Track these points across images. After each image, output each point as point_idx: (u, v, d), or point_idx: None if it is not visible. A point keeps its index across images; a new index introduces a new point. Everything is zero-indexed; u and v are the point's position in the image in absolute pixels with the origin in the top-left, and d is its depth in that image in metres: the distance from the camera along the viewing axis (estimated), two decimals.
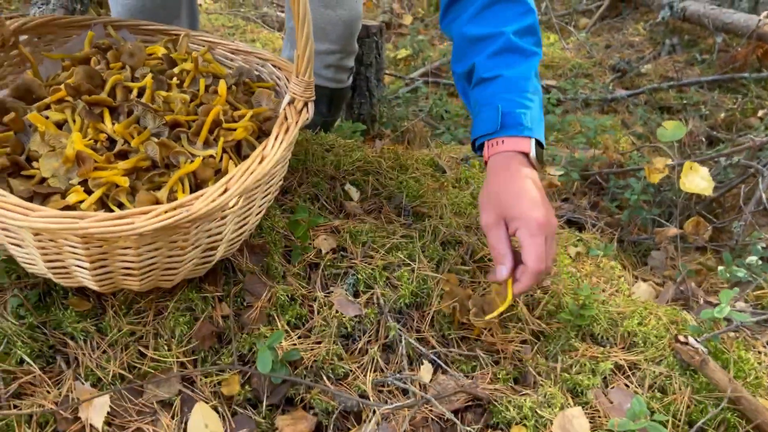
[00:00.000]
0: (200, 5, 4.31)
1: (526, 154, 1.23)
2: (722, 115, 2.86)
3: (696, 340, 1.20)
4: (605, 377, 1.23)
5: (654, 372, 1.22)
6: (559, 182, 2.04)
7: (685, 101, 2.99)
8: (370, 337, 1.30)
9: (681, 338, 1.20)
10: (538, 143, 1.26)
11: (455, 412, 1.19)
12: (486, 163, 1.29)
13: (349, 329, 1.29)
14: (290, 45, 2.11)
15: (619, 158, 2.26)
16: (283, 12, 4.34)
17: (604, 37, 3.92)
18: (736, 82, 3.15)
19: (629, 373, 1.24)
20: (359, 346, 1.28)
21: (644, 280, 1.63)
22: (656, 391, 1.20)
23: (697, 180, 1.60)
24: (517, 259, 1.20)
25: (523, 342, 1.33)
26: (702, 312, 1.26)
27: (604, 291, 1.45)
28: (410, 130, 2.68)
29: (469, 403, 1.22)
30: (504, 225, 1.20)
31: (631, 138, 2.57)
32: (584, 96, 3.01)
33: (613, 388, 1.21)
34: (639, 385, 1.21)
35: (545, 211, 1.17)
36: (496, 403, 1.19)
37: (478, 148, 1.33)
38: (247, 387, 1.19)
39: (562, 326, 1.33)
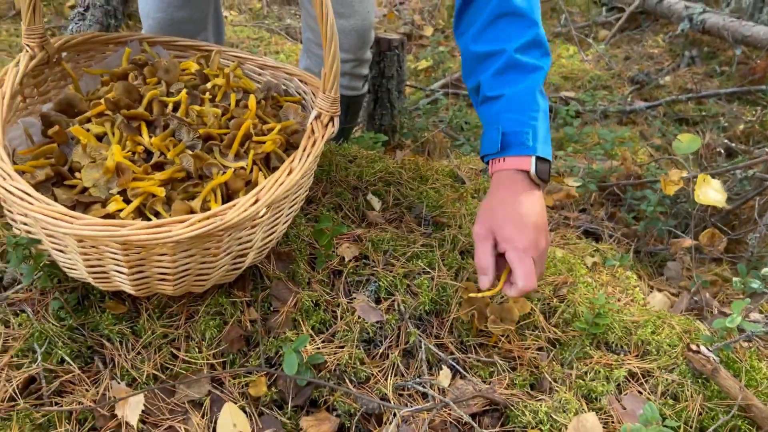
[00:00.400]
0: (225, 17, 4.41)
1: (527, 172, 1.27)
2: (741, 127, 2.87)
3: (708, 348, 1.23)
4: (619, 384, 1.27)
5: (666, 379, 1.25)
6: (576, 193, 2.07)
7: (703, 113, 3.01)
8: (391, 342, 1.35)
9: (693, 347, 1.24)
10: (544, 159, 1.29)
11: (473, 416, 1.23)
12: (491, 176, 1.35)
13: (371, 334, 1.34)
14: (306, 55, 2.18)
15: (637, 170, 2.29)
16: None
17: (623, 49, 3.95)
18: (754, 94, 3.16)
19: (642, 380, 1.27)
20: (380, 351, 1.33)
21: (659, 290, 1.66)
22: (668, 398, 1.23)
23: (711, 192, 1.64)
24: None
25: (540, 349, 1.37)
26: (714, 322, 1.29)
27: (619, 300, 1.49)
28: (430, 140, 2.74)
29: (487, 408, 1.26)
30: (492, 239, 1.25)
31: (648, 150, 2.60)
32: (603, 107, 3.04)
33: (626, 394, 1.24)
34: (652, 392, 1.24)
35: (533, 236, 1.22)
36: (512, 408, 1.23)
37: (486, 163, 1.38)
38: (273, 389, 1.25)
39: (578, 335, 1.37)
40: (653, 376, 1.27)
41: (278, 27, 4.29)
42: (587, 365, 1.30)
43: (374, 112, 2.68)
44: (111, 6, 2.14)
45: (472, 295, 1.32)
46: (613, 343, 1.36)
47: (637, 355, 1.33)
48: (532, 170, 1.26)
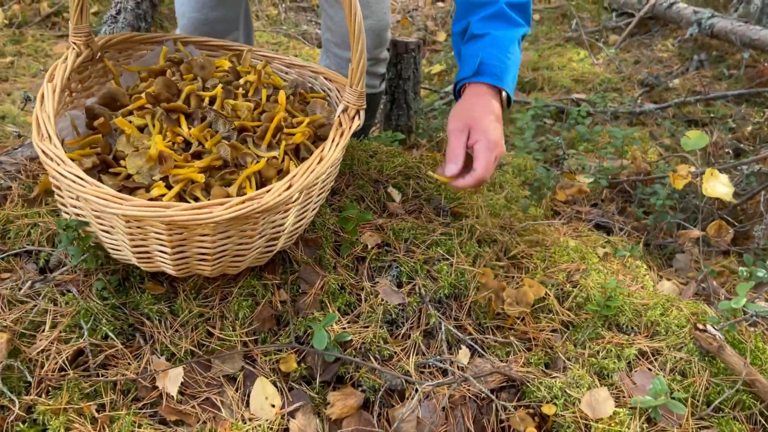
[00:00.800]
0: None
1: (500, 91, 1.50)
2: (749, 128, 2.93)
3: (714, 328, 1.30)
4: (629, 362, 1.34)
5: (675, 357, 1.32)
6: (588, 189, 2.15)
7: (712, 115, 3.08)
8: (412, 323, 1.42)
9: (700, 326, 1.30)
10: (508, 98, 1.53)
11: (491, 391, 1.30)
12: (463, 91, 1.55)
13: (394, 316, 1.42)
14: (326, 56, 2.26)
15: (647, 167, 2.36)
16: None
17: (633, 53, 4.02)
18: (762, 96, 3.22)
19: (652, 358, 1.34)
20: (403, 331, 1.41)
21: (668, 280, 1.73)
22: (677, 374, 1.30)
23: (718, 186, 1.70)
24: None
25: (554, 331, 1.44)
26: (720, 304, 1.36)
27: (629, 286, 1.56)
28: (445, 140, 2.82)
29: (504, 384, 1.33)
30: (467, 133, 1.44)
31: (658, 149, 2.66)
32: (613, 109, 3.11)
33: (636, 371, 1.31)
34: (661, 369, 1.31)
35: (500, 134, 1.44)
36: (528, 384, 1.30)
37: (458, 93, 1.58)
38: (302, 365, 1.33)
39: (590, 317, 1.44)
40: (662, 354, 1.34)
41: (295, 32, 4.39)
42: (599, 345, 1.37)
43: (391, 113, 2.76)
44: (141, 10, 2.23)
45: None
46: (624, 324, 1.43)
47: (646, 335, 1.40)
48: (504, 94, 1.50)
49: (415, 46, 2.61)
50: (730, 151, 2.68)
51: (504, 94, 1.51)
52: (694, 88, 3.42)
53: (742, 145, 2.74)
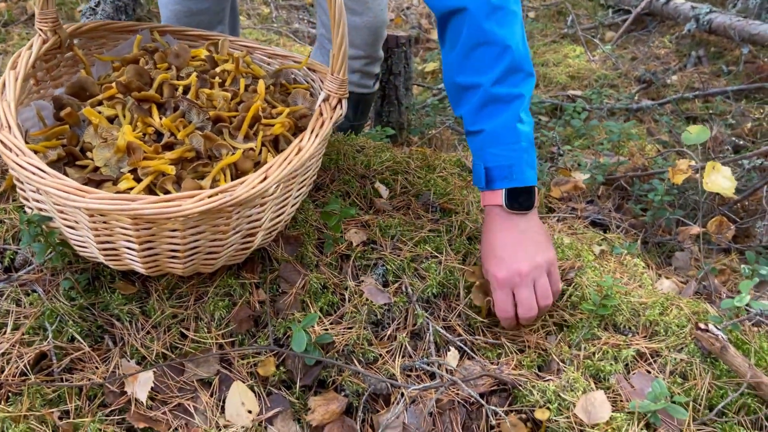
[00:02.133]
0: None
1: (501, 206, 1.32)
2: (749, 124, 2.87)
3: (717, 327, 1.23)
4: (627, 364, 1.26)
5: (675, 359, 1.25)
6: (584, 185, 2.08)
7: (711, 111, 3.01)
8: (398, 324, 1.35)
9: (702, 326, 1.23)
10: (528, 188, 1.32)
11: (481, 395, 1.23)
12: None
13: (379, 316, 1.35)
14: (319, 51, 2.20)
15: (644, 163, 2.29)
16: (313, 27, 4.45)
17: (629, 49, 3.96)
18: (762, 91, 3.16)
19: (650, 360, 1.27)
20: (388, 332, 1.34)
21: (667, 278, 1.66)
22: (677, 376, 1.23)
23: (720, 179, 1.63)
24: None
25: (548, 332, 1.37)
26: (722, 302, 1.29)
27: (627, 285, 1.49)
28: (437, 137, 2.75)
29: (494, 387, 1.26)
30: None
31: (656, 146, 2.60)
32: (609, 105, 3.05)
33: (634, 373, 1.24)
34: (660, 371, 1.24)
35: (508, 267, 1.29)
36: (520, 387, 1.23)
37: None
38: (281, 368, 1.26)
39: (586, 316, 1.37)
40: (661, 356, 1.27)
41: (286, 30, 4.32)
42: (595, 346, 1.30)
43: (382, 109, 2.69)
44: (122, 2, 2.16)
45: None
46: (621, 324, 1.36)
47: (645, 336, 1.33)
48: (503, 202, 1.31)
49: (405, 40, 2.55)
50: (730, 148, 2.61)
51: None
52: (693, 84, 3.36)
53: (741, 142, 2.68)
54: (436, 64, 3.96)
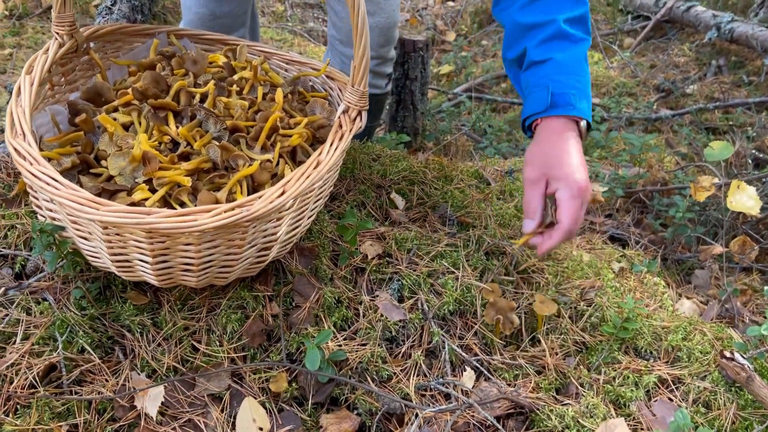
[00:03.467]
0: None
1: (577, 125, 1.31)
2: None
3: (742, 356, 1.19)
4: (648, 390, 1.23)
5: (698, 387, 1.22)
6: (602, 198, 2.04)
7: (731, 122, 2.96)
8: (413, 341, 1.32)
9: (727, 354, 1.20)
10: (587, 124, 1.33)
11: (497, 419, 1.20)
12: (536, 129, 1.36)
13: (394, 333, 1.32)
14: (331, 54, 2.17)
15: (664, 176, 2.25)
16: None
17: (648, 57, 3.91)
18: None
19: (673, 387, 1.24)
20: (403, 350, 1.31)
21: (688, 298, 1.62)
22: (700, 405, 1.20)
23: (744, 199, 1.60)
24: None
25: (566, 353, 1.34)
26: (748, 329, 1.25)
27: (647, 306, 1.45)
28: (453, 143, 2.72)
29: (511, 411, 1.23)
30: (545, 182, 1.27)
31: (675, 158, 2.55)
32: (628, 114, 3.00)
33: (656, 401, 1.21)
34: (683, 399, 1.21)
35: (586, 177, 1.24)
36: (538, 412, 1.20)
37: (528, 128, 1.39)
38: (294, 385, 1.23)
39: (606, 339, 1.33)
40: (684, 383, 1.23)
41: (301, 29, 4.30)
42: (615, 370, 1.27)
43: (397, 114, 2.66)
44: (139, 1, 2.14)
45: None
46: (642, 348, 1.32)
47: (667, 362, 1.29)
48: (583, 124, 1.31)
49: (423, 45, 2.51)
50: (750, 162, 2.56)
51: (583, 123, 1.32)
52: (713, 94, 3.31)
53: (762, 155, 2.63)
54: (451, 67, 3.93)
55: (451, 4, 5.16)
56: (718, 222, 1.90)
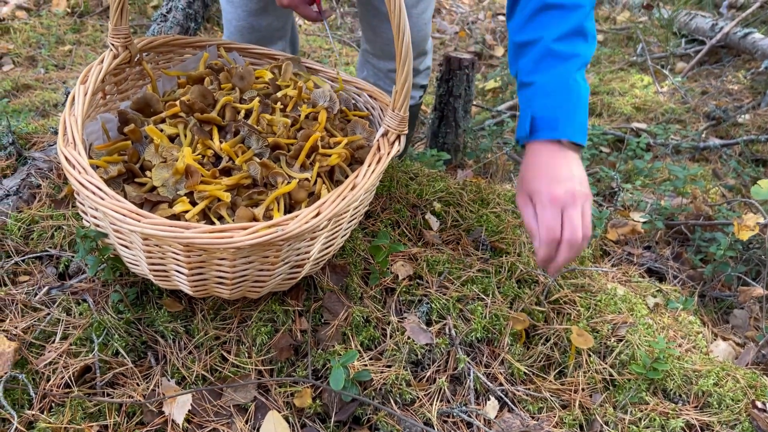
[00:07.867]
0: (300, 26, 4.49)
1: (560, 144, 1.29)
2: None
3: None
4: None
5: None
6: (642, 229, 2.01)
7: None
8: (439, 366, 1.33)
9: (759, 404, 1.17)
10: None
11: None
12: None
13: (420, 356, 1.32)
14: (363, 66, 2.19)
15: (708, 210, 2.20)
16: None
17: (700, 82, 3.82)
18: None
19: None
20: (428, 374, 1.31)
21: (724, 339, 1.58)
22: None
23: None
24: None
25: (593, 390, 1.32)
26: None
27: (680, 346, 1.43)
28: (493, 162, 2.71)
29: None
30: (531, 203, 1.26)
31: (721, 189, 2.50)
32: (675, 142, 2.94)
33: None
34: None
35: (564, 185, 1.23)
36: None
37: (521, 147, 1.39)
38: (318, 401, 1.25)
39: (634, 378, 1.32)
40: (713, 430, 1.21)
41: (350, 39, 4.33)
42: (642, 411, 1.25)
43: (438, 130, 2.67)
44: (192, 10, 2.20)
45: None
46: (671, 390, 1.30)
47: (696, 406, 1.27)
48: (568, 142, 1.29)
49: (469, 63, 2.51)
50: None
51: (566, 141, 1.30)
52: (766, 125, 3.22)
53: None
54: (497, 83, 3.91)
55: (501, 18, 5.13)
56: (760, 262, 1.85)
